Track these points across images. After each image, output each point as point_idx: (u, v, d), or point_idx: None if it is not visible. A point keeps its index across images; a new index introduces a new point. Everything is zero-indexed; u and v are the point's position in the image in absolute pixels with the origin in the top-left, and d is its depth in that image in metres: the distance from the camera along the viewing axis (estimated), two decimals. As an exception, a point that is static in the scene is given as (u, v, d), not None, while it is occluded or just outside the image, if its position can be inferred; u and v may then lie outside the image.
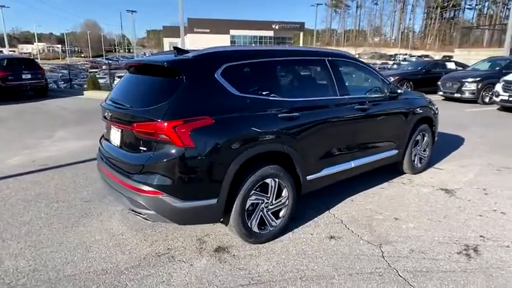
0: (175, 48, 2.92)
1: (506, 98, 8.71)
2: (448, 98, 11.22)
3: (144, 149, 2.53)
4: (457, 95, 10.63)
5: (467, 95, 10.42)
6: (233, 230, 2.79)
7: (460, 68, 13.85)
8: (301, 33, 73.34)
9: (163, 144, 2.43)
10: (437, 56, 61.50)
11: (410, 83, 13.19)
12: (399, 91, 4.05)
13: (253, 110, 2.75)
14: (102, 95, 13.58)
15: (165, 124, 2.38)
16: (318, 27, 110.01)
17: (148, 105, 2.53)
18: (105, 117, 2.95)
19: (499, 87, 9.01)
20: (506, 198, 3.75)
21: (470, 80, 10.43)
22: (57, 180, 4.46)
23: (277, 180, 2.88)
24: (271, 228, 2.93)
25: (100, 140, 3.29)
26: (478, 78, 10.38)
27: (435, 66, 13.65)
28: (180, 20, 11.91)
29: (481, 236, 2.97)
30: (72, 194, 3.99)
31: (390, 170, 4.44)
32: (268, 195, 2.88)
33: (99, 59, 50.07)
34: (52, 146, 6.17)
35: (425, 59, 27.23)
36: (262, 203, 2.86)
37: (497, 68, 10.87)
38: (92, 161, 5.29)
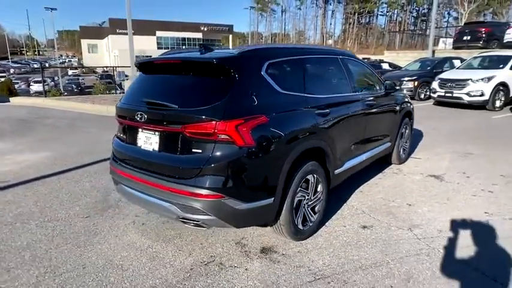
0: (202, 45, 2.80)
1: (443, 93, 10.01)
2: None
3: (199, 151, 2.38)
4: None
5: (405, 92, 11.72)
6: (281, 229, 2.77)
7: (391, 69, 15.44)
8: (230, 36, 74.16)
9: (223, 144, 2.32)
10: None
11: None
12: (396, 88, 4.45)
13: (296, 107, 2.79)
14: (35, 101, 12.04)
15: (227, 123, 2.29)
16: (245, 30, 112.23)
17: (201, 104, 2.39)
18: (132, 119, 2.70)
19: (435, 84, 10.31)
20: (485, 179, 4.36)
21: (407, 78, 11.73)
22: (33, 197, 3.90)
23: (315, 176, 2.95)
24: (310, 224, 2.99)
25: (115, 144, 3.00)
26: (415, 77, 11.73)
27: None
28: (128, 18, 11.14)
29: (485, 212, 3.42)
30: (62, 211, 3.54)
31: (378, 162, 4.81)
32: (309, 192, 2.94)
33: (3, 62, 44.04)
34: (3, 160, 5.33)
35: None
36: (303, 199, 2.90)
37: (428, 68, 12.40)
38: (64, 173, 4.74)
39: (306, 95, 2.91)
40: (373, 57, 20.71)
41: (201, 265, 2.61)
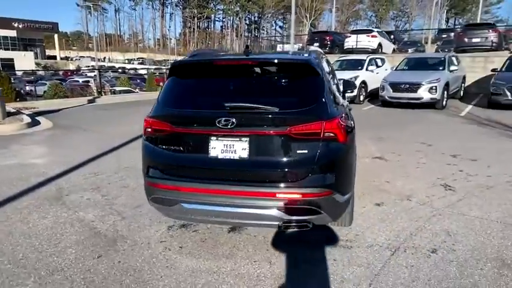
0: (248, 46, 2.79)
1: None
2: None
3: (305, 151, 2.41)
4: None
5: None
6: (345, 218, 3.03)
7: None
8: (56, 36, 64.65)
9: (327, 142, 2.44)
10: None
11: None
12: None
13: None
14: None
15: (332, 122, 2.43)
16: (72, 29, 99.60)
17: (302, 105, 2.44)
18: (202, 126, 2.48)
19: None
20: (410, 154, 5.70)
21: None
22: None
23: None
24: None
25: (162, 156, 2.62)
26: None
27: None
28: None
29: (438, 178, 4.58)
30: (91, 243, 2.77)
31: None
32: None
33: None
34: None
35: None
36: None
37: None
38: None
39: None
40: None
41: (300, 268, 2.64)
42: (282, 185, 2.39)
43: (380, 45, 17.76)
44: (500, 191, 4.10)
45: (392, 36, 22.40)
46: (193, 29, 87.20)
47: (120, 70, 43.57)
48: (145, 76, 32.80)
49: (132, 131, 7.61)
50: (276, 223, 2.47)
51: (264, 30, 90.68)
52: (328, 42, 18.91)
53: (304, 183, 2.39)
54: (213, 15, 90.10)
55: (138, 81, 30.96)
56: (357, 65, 12.27)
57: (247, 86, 2.66)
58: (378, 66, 12.82)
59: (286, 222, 2.46)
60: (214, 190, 2.46)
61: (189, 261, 2.74)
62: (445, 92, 10.26)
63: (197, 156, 2.55)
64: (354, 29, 28.99)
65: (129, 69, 45.34)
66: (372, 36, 17.58)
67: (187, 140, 2.58)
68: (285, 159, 2.42)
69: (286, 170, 2.40)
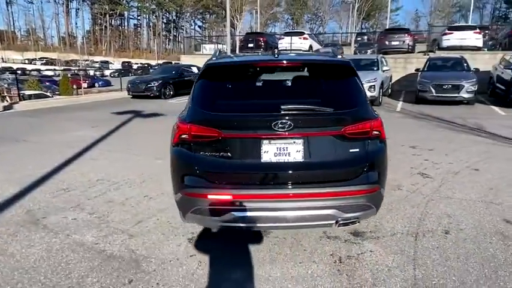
0: (276, 48, 2.79)
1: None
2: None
3: (356, 150, 2.51)
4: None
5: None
6: None
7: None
8: None
9: (373, 140, 2.58)
10: (117, 61, 65.96)
11: (172, 86, 14.65)
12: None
13: None
14: None
15: (377, 120, 2.58)
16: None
17: (352, 105, 2.53)
18: (255, 130, 2.42)
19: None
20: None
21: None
22: None
23: None
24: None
25: (206, 163, 2.48)
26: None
27: (184, 71, 15.80)
28: None
29: (423, 161, 5.09)
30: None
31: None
32: None
33: None
34: None
35: (171, 64, 29.26)
36: None
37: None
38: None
39: None
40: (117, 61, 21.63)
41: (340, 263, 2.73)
42: (338, 184, 2.46)
43: (311, 46, 18.88)
44: (467, 175, 4.75)
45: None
46: (105, 26, 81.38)
47: (19, 72, 38.54)
48: (55, 78, 29.69)
49: (78, 139, 6.91)
50: (332, 222, 2.53)
51: (183, 29, 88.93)
52: (262, 44, 19.43)
53: (358, 180, 2.49)
54: (126, 13, 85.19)
55: (48, 83, 27.85)
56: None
57: (294, 87, 2.66)
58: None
59: (342, 220, 2.53)
60: (271, 195, 2.42)
61: (233, 272, 2.64)
62: (381, 90, 11.37)
63: (249, 162, 2.47)
64: (287, 31, 30.29)
65: (30, 71, 40.39)
66: (304, 38, 18.61)
67: (237, 145, 2.49)
68: (340, 158, 2.49)
69: (342, 169, 2.48)
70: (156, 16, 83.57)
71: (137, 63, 62.51)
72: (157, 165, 5.33)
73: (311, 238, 3.10)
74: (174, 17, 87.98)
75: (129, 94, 14.97)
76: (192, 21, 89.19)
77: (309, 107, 2.50)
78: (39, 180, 4.64)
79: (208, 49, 25.29)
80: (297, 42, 18.22)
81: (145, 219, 3.51)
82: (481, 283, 2.47)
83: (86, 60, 62.06)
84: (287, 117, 2.40)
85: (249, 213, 2.45)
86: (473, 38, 15.34)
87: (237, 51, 21.00)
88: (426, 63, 12.27)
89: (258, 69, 2.69)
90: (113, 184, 4.51)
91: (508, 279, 2.51)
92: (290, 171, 2.46)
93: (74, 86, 17.82)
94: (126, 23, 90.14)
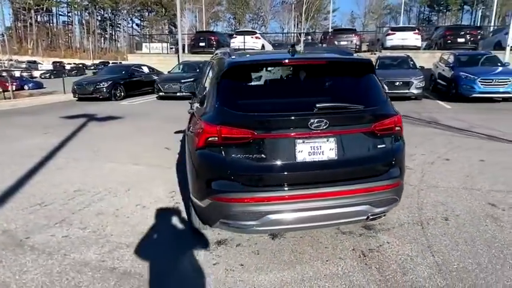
0: (293, 46, 2.78)
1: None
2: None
3: (383, 145, 2.59)
4: (179, 94, 12.88)
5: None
6: None
7: (151, 72, 16.08)
8: None
9: (395, 135, 2.69)
10: (46, 61, 60.66)
11: (122, 86, 13.87)
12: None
13: None
14: None
15: (399, 116, 2.68)
16: None
17: (377, 102, 2.60)
18: (288, 130, 2.40)
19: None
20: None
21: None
22: None
23: None
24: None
25: (241, 166, 2.40)
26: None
27: (134, 71, 15.01)
28: None
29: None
30: None
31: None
32: None
33: None
34: None
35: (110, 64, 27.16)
36: None
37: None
38: None
39: None
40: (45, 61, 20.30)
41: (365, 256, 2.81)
42: (370, 180, 2.52)
43: (263, 46, 19.07)
44: (441, 165, 5.15)
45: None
46: (30, 23, 74.51)
47: None
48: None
49: (34, 147, 6.27)
50: (363, 218, 2.59)
51: (120, 27, 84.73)
52: (214, 43, 19.17)
53: (387, 175, 2.59)
54: (54, 8, 78.85)
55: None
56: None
57: (321, 85, 2.66)
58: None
59: (371, 216, 2.60)
60: (307, 195, 2.40)
61: (265, 276, 2.58)
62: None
63: (284, 162, 2.42)
64: (238, 30, 30.15)
65: None
66: (256, 37, 18.74)
67: (271, 145, 2.43)
68: (370, 155, 2.56)
69: (372, 165, 2.56)
70: (89, 13, 78.47)
71: (70, 64, 58.27)
72: (136, 171, 5.03)
73: (327, 235, 3.14)
74: (110, 14, 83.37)
75: (75, 96, 13.86)
76: (129, 19, 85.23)
77: (342, 104, 2.52)
78: (3, 196, 4.11)
79: (155, 48, 24.12)
80: (250, 41, 18.31)
81: (147, 230, 3.29)
82: (493, 263, 2.70)
83: (10, 60, 56.24)
84: (322, 116, 2.40)
85: (285, 215, 2.41)
86: (413, 38, 16.75)
87: (186, 51, 20.54)
88: (376, 62, 13.07)
89: (285, 67, 2.64)
90: (95, 194, 4.15)
91: (515, 257, 2.78)
92: (324, 170, 2.46)
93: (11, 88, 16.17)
94: (54, 20, 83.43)
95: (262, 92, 2.63)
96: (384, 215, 2.79)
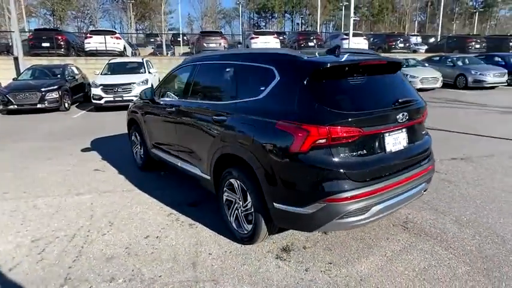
0: (338, 46, 3.00)
1: (112, 98, 10.88)
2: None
3: (423, 132, 3.17)
4: (40, 106, 10.79)
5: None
6: None
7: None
8: None
9: (424, 123, 3.27)
10: None
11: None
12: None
13: None
14: None
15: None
16: None
17: (416, 95, 3.09)
18: (380, 125, 2.66)
19: (98, 90, 10.80)
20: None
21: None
22: None
23: None
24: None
25: (352, 162, 2.53)
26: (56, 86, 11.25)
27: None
28: None
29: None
30: None
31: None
32: None
33: None
34: None
35: None
36: None
37: None
38: None
39: None
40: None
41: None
42: (425, 162, 3.06)
43: (125, 47, 17.67)
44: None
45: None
46: None
47: None
48: None
49: None
50: (422, 194, 3.10)
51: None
52: (62, 43, 16.44)
53: (431, 157, 3.19)
54: None
55: None
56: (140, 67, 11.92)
57: (387, 82, 2.97)
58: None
59: (424, 190, 3.14)
60: (398, 182, 2.72)
61: (359, 266, 2.76)
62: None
63: (380, 155, 2.69)
64: (93, 29, 26.48)
65: None
66: (117, 38, 17.15)
67: (370, 141, 2.65)
68: (423, 141, 3.10)
69: (425, 148, 3.09)
70: None
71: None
72: (106, 201, 4.13)
73: (380, 230, 3.34)
74: None
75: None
76: None
77: (413, 98, 2.96)
78: None
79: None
80: (110, 42, 16.49)
81: (186, 262, 2.89)
82: None
83: None
84: (404, 110, 2.77)
85: (384, 204, 2.66)
86: (273, 42, 18.65)
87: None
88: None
89: (361, 68, 2.78)
90: (72, 238, 3.25)
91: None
92: (404, 157, 2.84)
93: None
94: None
95: (353, 91, 2.75)
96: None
